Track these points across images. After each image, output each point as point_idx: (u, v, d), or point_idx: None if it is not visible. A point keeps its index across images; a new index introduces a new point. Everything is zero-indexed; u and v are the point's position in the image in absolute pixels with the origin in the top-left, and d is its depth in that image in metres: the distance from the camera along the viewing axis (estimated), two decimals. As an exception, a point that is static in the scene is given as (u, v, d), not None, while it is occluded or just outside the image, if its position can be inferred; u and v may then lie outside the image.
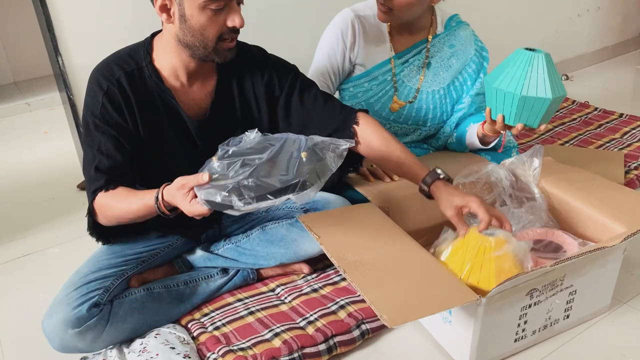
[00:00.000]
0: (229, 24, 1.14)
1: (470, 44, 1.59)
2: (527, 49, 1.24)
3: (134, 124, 1.21)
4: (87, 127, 1.21)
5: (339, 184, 1.45)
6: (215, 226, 1.45)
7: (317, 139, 1.05)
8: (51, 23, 1.59)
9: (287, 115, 1.34)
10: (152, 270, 1.35)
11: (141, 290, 1.27)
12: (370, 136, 1.28)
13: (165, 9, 1.14)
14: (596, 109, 2.40)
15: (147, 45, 1.23)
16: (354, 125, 1.28)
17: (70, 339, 1.14)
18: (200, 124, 1.28)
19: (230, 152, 1.03)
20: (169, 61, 1.22)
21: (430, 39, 1.55)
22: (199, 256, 1.41)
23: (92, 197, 1.19)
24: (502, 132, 1.36)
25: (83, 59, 1.63)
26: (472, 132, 1.54)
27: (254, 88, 1.32)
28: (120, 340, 1.22)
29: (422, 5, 1.45)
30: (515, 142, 1.69)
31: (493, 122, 1.33)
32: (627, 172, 1.84)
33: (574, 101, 2.50)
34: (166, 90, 1.23)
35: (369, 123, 1.29)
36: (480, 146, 1.54)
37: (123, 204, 1.16)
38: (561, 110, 2.42)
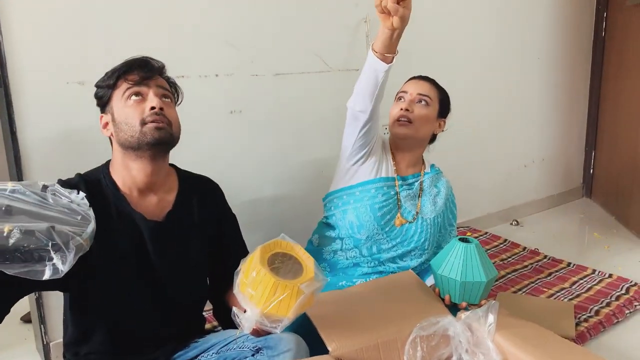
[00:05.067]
0: (147, 106, 1.29)
1: (448, 190, 1.85)
2: (461, 239, 1.50)
3: None
4: None
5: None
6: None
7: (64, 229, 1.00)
8: (20, 158, 1.61)
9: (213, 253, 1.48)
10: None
11: None
12: None
13: (106, 125, 1.33)
14: (546, 256, 2.50)
15: (104, 165, 1.37)
16: None
17: None
18: (156, 225, 1.34)
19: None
20: (121, 175, 1.34)
21: (422, 174, 1.80)
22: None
23: None
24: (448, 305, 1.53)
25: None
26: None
27: (210, 212, 1.45)
28: None
29: (431, 126, 1.75)
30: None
31: (442, 299, 1.52)
32: (577, 324, 1.88)
33: (524, 247, 2.61)
34: (121, 197, 1.32)
35: None
36: None
37: None
38: (513, 257, 2.51)
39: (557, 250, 2.58)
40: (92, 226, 1.05)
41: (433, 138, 1.83)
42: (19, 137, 1.61)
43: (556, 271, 2.35)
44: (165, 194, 1.39)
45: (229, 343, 1.39)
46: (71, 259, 0.97)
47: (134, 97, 1.29)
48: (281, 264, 1.25)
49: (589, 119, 3.41)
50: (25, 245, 0.93)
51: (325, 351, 1.34)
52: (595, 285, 2.20)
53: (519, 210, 3.15)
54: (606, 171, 3.30)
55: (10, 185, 1.02)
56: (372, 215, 1.69)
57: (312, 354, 1.34)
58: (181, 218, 1.39)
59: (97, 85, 1.35)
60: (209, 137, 1.99)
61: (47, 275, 0.95)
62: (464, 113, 2.76)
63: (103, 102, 1.34)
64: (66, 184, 1.29)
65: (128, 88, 1.30)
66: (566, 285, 2.21)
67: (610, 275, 2.27)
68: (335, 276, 1.71)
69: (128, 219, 1.32)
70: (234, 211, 1.54)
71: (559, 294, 2.14)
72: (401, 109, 1.70)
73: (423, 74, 1.82)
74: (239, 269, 1.24)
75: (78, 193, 1.11)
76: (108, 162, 1.38)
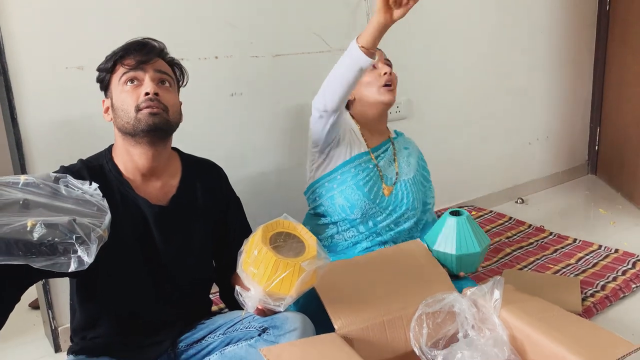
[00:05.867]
0: (142, 92, 1.28)
1: (417, 148, 1.91)
2: (452, 212, 1.52)
3: None
4: None
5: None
6: (170, 351, 1.39)
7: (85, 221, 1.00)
8: (21, 143, 1.61)
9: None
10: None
11: None
12: None
13: (107, 110, 1.33)
14: (551, 233, 2.49)
15: (107, 150, 1.37)
16: None
17: None
18: (160, 210, 1.34)
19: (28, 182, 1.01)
20: (123, 160, 1.33)
21: (391, 138, 1.83)
22: (152, 387, 1.34)
23: None
24: None
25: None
26: None
27: (214, 196, 1.44)
28: None
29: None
30: None
31: None
32: (584, 299, 1.88)
33: (530, 225, 2.60)
34: (124, 182, 1.32)
35: None
36: None
37: None
38: (519, 234, 2.51)
39: (563, 227, 2.57)
40: (109, 217, 1.05)
41: None
42: (20, 122, 1.61)
43: (562, 247, 2.34)
44: (169, 178, 1.39)
45: (235, 324, 1.40)
46: (94, 250, 0.97)
47: (129, 83, 1.29)
48: (283, 243, 1.25)
49: (593, 95, 3.38)
50: (49, 238, 0.93)
51: (331, 329, 1.35)
52: (601, 260, 2.19)
53: (524, 188, 3.13)
54: (611, 147, 3.27)
55: (23, 178, 1.03)
56: (360, 193, 1.69)
57: (318, 333, 1.35)
58: (185, 202, 1.39)
59: (98, 69, 1.34)
60: (210, 121, 1.98)
61: (72, 268, 0.96)
62: (467, 91, 2.75)
63: (104, 86, 1.34)
64: (68, 170, 1.28)
65: (124, 73, 1.29)
66: (572, 261, 2.20)
67: (616, 251, 2.26)
68: (335, 256, 1.72)
69: (132, 204, 1.32)
70: (236, 193, 1.54)
71: (565, 270, 2.13)
72: (386, 73, 1.69)
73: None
74: (241, 248, 1.25)
75: (90, 184, 1.10)
76: (110, 147, 1.37)
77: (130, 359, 1.35)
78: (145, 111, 1.27)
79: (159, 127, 1.28)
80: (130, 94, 1.28)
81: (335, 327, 1.34)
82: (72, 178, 1.09)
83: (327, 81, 1.53)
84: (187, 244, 1.39)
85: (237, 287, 1.24)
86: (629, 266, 2.12)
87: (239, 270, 1.23)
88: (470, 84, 2.76)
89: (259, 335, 1.33)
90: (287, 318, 1.33)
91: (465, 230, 1.48)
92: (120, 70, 1.29)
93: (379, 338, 1.38)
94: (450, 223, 1.49)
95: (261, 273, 1.18)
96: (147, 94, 1.27)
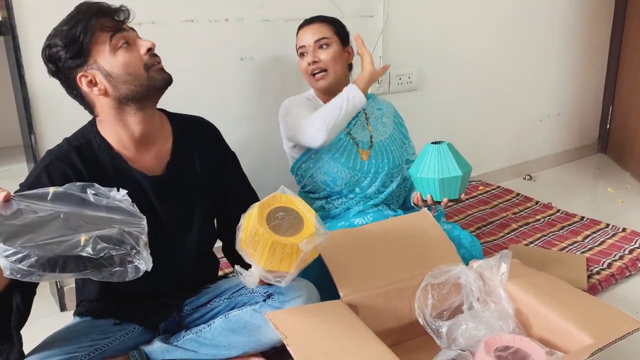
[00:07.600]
0: (142, 51, 1.22)
1: (391, 107, 1.92)
2: (433, 143, 1.56)
3: None
4: None
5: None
6: (175, 314, 1.40)
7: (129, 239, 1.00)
8: (29, 102, 1.60)
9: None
10: (106, 360, 1.28)
11: None
12: None
13: (91, 83, 1.20)
14: (559, 210, 2.48)
15: (90, 125, 1.29)
16: None
17: None
18: (157, 180, 1.30)
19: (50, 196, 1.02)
20: (115, 133, 1.27)
21: None
22: (156, 348, 1.35)
23: None
24: (432, 205, 1.64)
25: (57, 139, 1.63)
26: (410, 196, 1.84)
27: (209, 155, 1.41)
28: None
29: (342, 61, 1.74)
30: (442, 209, 1.88)
31: (424, 201, 1.61)
32: (589, 277, 1.87)
33: (537, 202, 2.58)
34: (116, 156, 1.27)
35: None
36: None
37: None
38: (526, 210, 2.49)
39: (571, 204, 2.55)
40: (145, 221, 1.05)
41: (350, 67, 1.82)
42: (27, 81, 1.59)
43: (569, 225, 2.33)
44: (162, 143, 1.34)
45: (240, 289, 1.41)
46: (147, 256, 0.99)
47: (124, 45, 1.20)
48: (282, 219, 1.22)
49: (607, 73, 3.32)
50: (106, 252, 0.95)
51: (335, 297, 1.35)
52: (608, 239, 2.18)
53: (533, 165, 3.10)
54: (623, 127, 3.23)
55: (51, 190, 1.03)
56: (338, 165, 1.71)
57: (323, 299, 1.35)
58: (181, 166, 1.36)
59: (63, 44, 1.18)
60: (219, 85, 1.95)
61: (130, 276, 0.98)
62: (480, 66, 2.70)
63: (81, 60, 1.18)
64: (55, 154, 1.23)
65: (113, 35, 1.19)
66: (579, 238, 2.19)
67: (623, 230, 2.24)
68: (331, 220, 1.73)
69: (128, 177, 1.28)
70: (245, 162, 1.52)
71: (571, 247, 2.12)
72: (309, 64, 1.70)
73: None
74: (239, 224, 1.21)
75: (118, 190, 1.08)
76: (93, 122, 1.30)
77: (136, 322, 1.36)
78: (156, 67, 1.24)
79: (170, 82, 1.27)
80: (131, 56, 1.20)
81: (341, 294, 1.34)
82: (99, 186, 1.07)
83: (331, 125, 1.60)
84: (188, 208, 1.37)
85: (236, 267, 1.22)
86: (636, 245, 2.11)
87: (237, 248, 1.21)
88: (482, 59, 2.71)
89: (264, 300, 1.34)
90: (292, 285, 1.33)
91: (446, 156, 1.53)
92: (104, 35, 1.18)
93: (383, 307, 1.38)
94: (431, 150, 1.54)
95: (259, 254, 1.17)
96: (149, 49, 1.23)
